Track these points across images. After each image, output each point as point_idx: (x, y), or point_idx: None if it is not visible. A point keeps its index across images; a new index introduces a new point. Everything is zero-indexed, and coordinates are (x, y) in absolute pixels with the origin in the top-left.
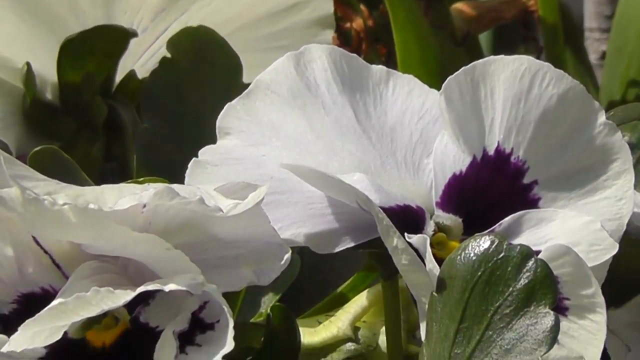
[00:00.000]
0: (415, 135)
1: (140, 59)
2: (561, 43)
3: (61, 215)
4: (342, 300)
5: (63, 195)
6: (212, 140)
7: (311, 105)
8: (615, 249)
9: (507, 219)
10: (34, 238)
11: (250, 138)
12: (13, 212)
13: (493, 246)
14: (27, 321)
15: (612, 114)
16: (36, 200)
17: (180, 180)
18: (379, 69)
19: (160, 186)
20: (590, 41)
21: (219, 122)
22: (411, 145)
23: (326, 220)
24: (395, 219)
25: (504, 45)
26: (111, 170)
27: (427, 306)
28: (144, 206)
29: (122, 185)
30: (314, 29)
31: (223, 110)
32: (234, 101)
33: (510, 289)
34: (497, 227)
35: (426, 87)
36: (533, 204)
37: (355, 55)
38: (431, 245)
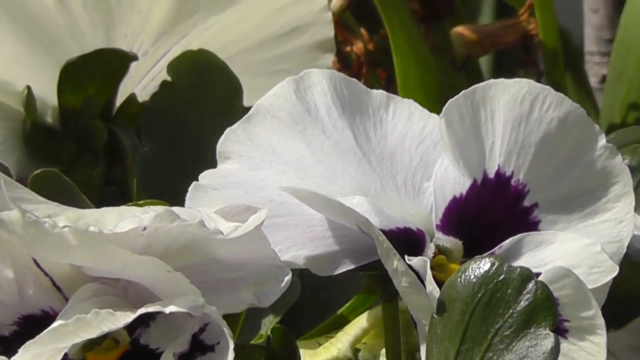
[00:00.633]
0: (415, 159)
1: (141, 83)
2: (561, 67)
3: (61, 237)
4: (342, 322)
5: (63, 217)
6: (213, 163)
7: (311, 129)
8: (615, 272)
9: (507, 241)
10: (34, 260)
11: (251, 162)
12: (13, 235)
13: (493, 268)
14: (27, 343)
15: (613, 137)
16: (36, 223)
17: (181, 203)
18: (379, 93)
19: (160, 209)
20: (591, 65)
21: (219, 146)
22: (411, 169)
23: (326, 242)
24: (395, 242)
25: (504, 69)
26: (112, 193)
27: (427, 328)
28: (144, 229)
29: (123, 207)
30: (314, 52)
31: (223, 135)
32: (234, 126)
33: (511, 310)
34: (497, 249)
35: (426, 111)
36: (533, 226)
37: (355, 79)
38: (431, 267)
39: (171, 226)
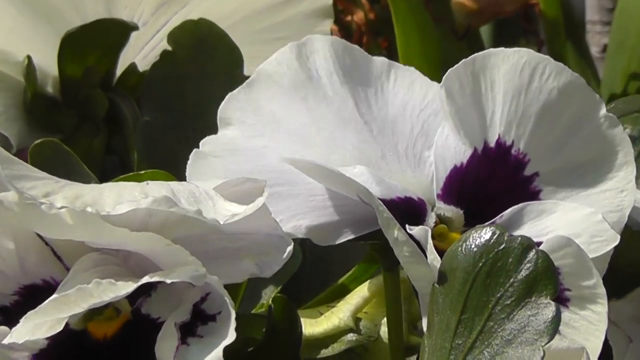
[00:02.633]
0: (416, 127)
1: (141, 53)
2: (562, 36)
3: (58, 218)
4: (343, 292)
5: (61, 197)
6: (213, 132)
7: (313, 96)
8: (616, 241)
9: (508, 210)
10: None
11: (252, 129)
12: (12, 212)
13: (494, 237)
14: (28, 313)
15: (613, 107)
16: (33, 205)
17: (182, 173)
18: (380, 60)
19: (159, 194)
20: (592, 34)
21: (220, 112)
22: (412, 138)
23: (327, 212)
24: (396, 211)
25: (505, 38)
26: (112, 163)
27: (428, 297)
28: None
29: (122, 185)
30: (313, 19)
31: (224, 101)
32: (235, 91)
33: (511, 280)
34: (499, 219)
35: (427, 79)
36: (534, 196)
37: (357, 46)
38: (432, 237)
39: (169, 211)
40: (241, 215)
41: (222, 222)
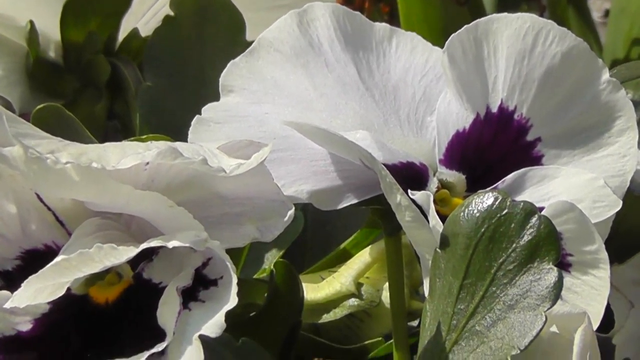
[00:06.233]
0: (418, 93)
1: (144, 18)
2: (564, 1)
3: (64, 173)
4: (345, 257)
5: (66, 153)
6: (215, 97)
7: (314, 63)
8: (618, 206)
9: (510, 176)
10: (37, 195)
11: (253, 96)
12: (16, 170)
13: (496, 203)
14: (30, 277)
15: (616, 72)
16: (39, 159)
17: (184, 138)
18: (382, 26)
19: (163, 146)
20: None
21: (222, 79)
22: (414, 103)
23: (329, 177)
24: (398, 176)
25: (507, 4)
26: (114, 128)
27: (430, 262)
28: (147, 163)
29: (126, 143)
30: None
31: (226, 68)
32: (237, 59)
33: (514, 245)
34: (501, 184)
35: (429, 44)
36: (536, 161)
37: (358, 13)
38: (434, 202)
39: (174, 163)
40: (246, 167)
41: (227, 172)
